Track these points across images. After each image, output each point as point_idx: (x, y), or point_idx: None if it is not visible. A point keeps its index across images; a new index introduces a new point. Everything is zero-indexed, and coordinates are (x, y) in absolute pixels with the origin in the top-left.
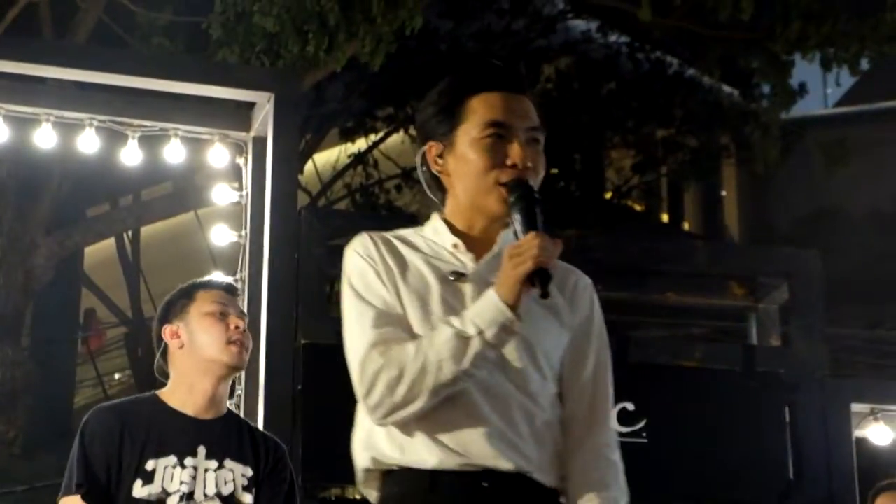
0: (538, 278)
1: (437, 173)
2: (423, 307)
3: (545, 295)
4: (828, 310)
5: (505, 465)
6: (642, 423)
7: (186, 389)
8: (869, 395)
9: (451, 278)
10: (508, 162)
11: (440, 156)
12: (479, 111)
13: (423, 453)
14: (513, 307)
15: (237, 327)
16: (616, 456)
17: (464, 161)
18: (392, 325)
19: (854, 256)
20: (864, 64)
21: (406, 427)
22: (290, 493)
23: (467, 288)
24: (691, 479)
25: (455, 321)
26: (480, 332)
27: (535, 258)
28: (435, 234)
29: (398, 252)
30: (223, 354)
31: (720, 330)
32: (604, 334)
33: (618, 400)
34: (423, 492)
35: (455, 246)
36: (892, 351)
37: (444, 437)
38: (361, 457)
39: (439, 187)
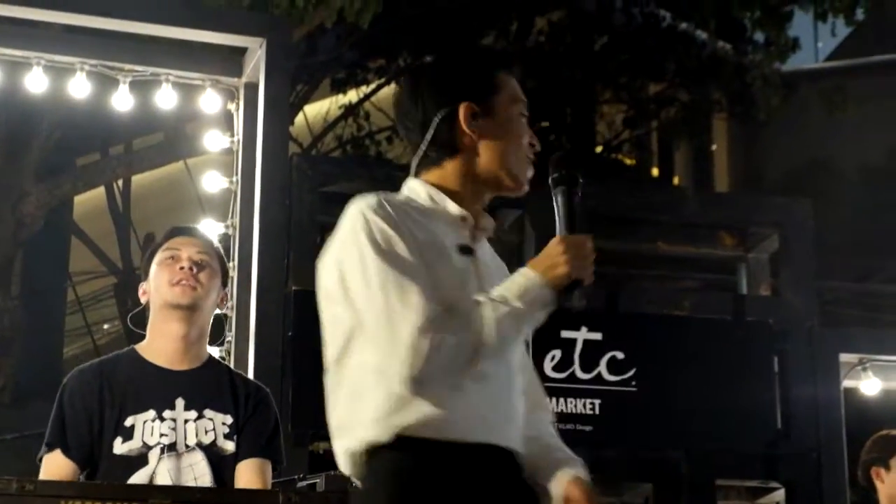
0: (575, 286)
1: (466, 132)
2: (441, 277)
3: (566, 301)
4: (818, 262)
5: (508, 442)
6: (631, 373)
7: (156, 339)
8: (858, 345)
9: (460, 252)
10: (526, 140)
11: (474, 117)
12: (513, 87)
13: (454, 427)
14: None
15: (182, 267)
16: None
17: (506, 128)
18: (435, 300)
19: (844, 210)
20: (860, 14)
21: (434, 399)
22: (272, 437)
23: (473, 263)
24: (680, 428)
25: (499, 297)
26: (529, 308)
27: (590, 271)
28: (432, 201)
29: (414, 218)
30: (167, 295)
31: (710, 280)
32: None
33: (608, 349)
34: (450, 463)
35: (464, 219)
36: (881, 304)
37: (473, 413)
38: (375, 429)
39: (449, 146)
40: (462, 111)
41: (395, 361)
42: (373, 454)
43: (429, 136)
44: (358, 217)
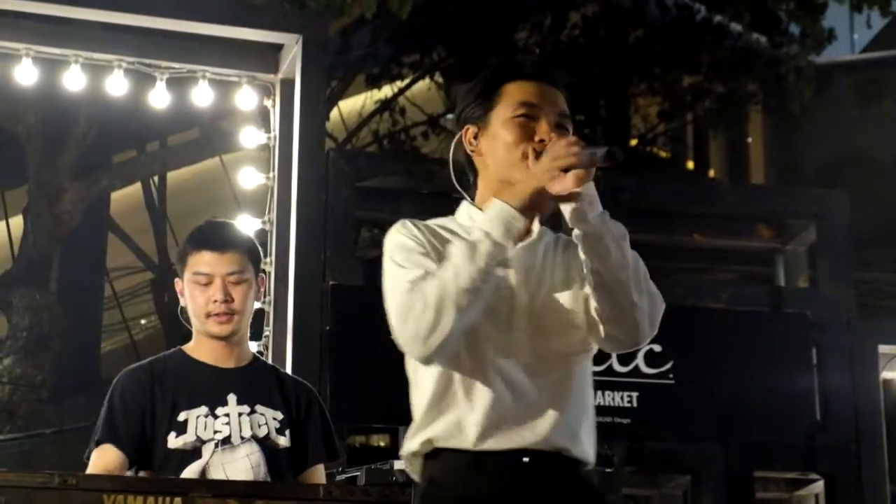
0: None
1: (470, 153)
2: None
3: (612, 155)
4: (855, 253)
5: (541, 444)
6: (669, 365)
7: (201, 343)
8: None
9: None
10: (536, 138)
11: (475, 137)
12: (513, 94)
13: (465, 435)
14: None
15: (215, 300)
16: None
17: (495, 139)
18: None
19: (880, 201)
20: (895, 6)
21: (449, 410)
22: (330, 439)
23: (510, 274)
24: (718, 420)
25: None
26: (487, 234)
27: (574, 155)
28: (471, 220)
29: (440, 235)
30: (204, 326)
31: (747, 272)
32: None
33: None
34: (466, 470)
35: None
36: None
37: (485, 420)
38: (412, 441)
39: (471, 170)
40: (464, 135)
41: (397, 333)
42: (412, 461)
43: (452, 164)
44: (386, 239)
